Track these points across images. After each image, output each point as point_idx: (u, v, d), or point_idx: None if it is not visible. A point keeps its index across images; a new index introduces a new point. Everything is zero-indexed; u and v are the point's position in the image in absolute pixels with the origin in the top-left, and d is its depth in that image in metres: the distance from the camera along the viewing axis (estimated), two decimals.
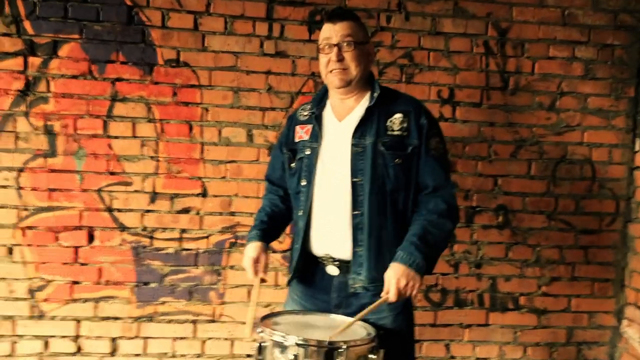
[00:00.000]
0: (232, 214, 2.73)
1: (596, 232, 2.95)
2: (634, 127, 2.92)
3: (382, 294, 1.80)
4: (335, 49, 1.90)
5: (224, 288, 2.75)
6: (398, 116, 1.93)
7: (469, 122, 2.83)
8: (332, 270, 1.96)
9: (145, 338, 2.72)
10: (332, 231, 1.95)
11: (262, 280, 1.97)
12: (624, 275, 2.96)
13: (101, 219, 2.66)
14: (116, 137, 2.65)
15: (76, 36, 2.59)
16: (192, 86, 2.68)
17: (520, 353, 2.95)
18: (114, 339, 2.70)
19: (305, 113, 2.08)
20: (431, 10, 2.77)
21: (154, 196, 2.68)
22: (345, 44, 1.90)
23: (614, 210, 2.94)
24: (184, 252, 2.72)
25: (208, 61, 2.68)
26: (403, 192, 1.92)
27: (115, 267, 2.68)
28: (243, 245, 2.58)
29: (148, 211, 2.69)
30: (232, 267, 2.75)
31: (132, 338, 2.71)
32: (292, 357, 1.64)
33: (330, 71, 1.92)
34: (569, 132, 2.88)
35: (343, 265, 1.93)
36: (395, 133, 1.91)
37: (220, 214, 2.73)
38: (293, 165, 2.05)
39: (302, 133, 2.05)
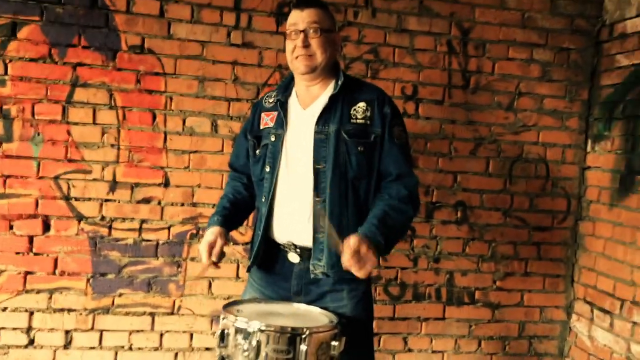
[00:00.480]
0: (194, 205, 2.72)
1: (549, 229, 3.08)
2: (587, 128, 3.06)
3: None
4: (301, 35, 1.92)
5: (184, 280, 2.73)
6: (362, 105, 1.96)
7: (431, 119, 2.91)
8: (293, 257, 1.97)
9: (101, 331, 2.67)
10: (294, 218, 1.97)
11: (215, 265, 1.95)
12: (574, 272, 3.10)
13: (57, 207, 2.60)
14: (76, 124, 2.59)
15: (36, 18, 2.52)
16: (157, 74, 2.65)
17: (474, 346, 3.05)
18: (68, 332, 2.64)
19: (271, 100, 2.09)
20: (397, 7, 2.83)
21: (114, 185, 2.64)
22: (311, 31, 1.91)
23: (565, 209, 3.08)
24: (144, 243, 2.69)
25: (173, 49, 2.66)
26: (365, 180, 1.95)
27: (71, 258, 2.63)
28: None
29: (107, 200, 2.64)
30: (192, 259, 2.73)
31: (87, 330, 2.66)
32: (255, 343, 1.65)
33: (296, 57, 1.94)
34: (525, 132, 3.00)
35: (304, 252, 1.95)
36: (359, 121, 1.94)
37: (182, 204, 2.71)
38: (257, 152, 2.06)
39: (267, 120, 2.06)
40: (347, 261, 1.74)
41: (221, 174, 2.71)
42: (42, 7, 2.52)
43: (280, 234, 1.99)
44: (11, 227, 2.56)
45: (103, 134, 2.62)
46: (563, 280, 3.11)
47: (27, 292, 2.60)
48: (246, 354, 1.67)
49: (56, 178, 2.58)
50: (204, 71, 2.68)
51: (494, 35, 2.93)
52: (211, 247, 1.95)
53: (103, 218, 2.64)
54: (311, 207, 1.93)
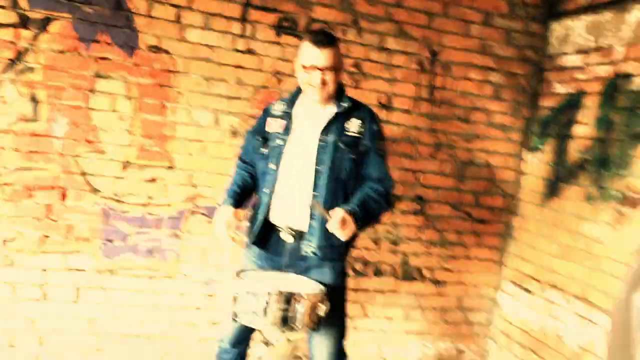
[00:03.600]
0: (194, 186, 3.19)
1: (488, 222, 3.74)
2: (524, 141, 3.71)
3: (329, 221, 2.32)
4: (319, 73, 2.41)
5: (180, 249, 3.22)
6: (356, 122, 2.50)
7: (400, 125, 3.47)
8: (287, 237, 2.51)
9: (107, 289, 3.14)
10: (293, 207, 2.50)
11: (232, 239, 2.47)
12: (505, 258, 3.79)
13: (75, 181, 3.02)
14: (96, 110, 3.00)
15: (67, 15, 2.89)
16: (170, 71, 3.07)
17: (420, 315, 3.71)
18: (78, 289, 3.10)
19: (279, 109, 2.58)
20: (380, 29, 3.35)
21: (127, 165, 3.07)
22: (327, 70, 2.41)
23: (502, 206, 3.74)
24: (149, 216, 3.15)
25: (186, 51, 3.08)
26: (353, 180, 2.51)
27: (85, 225, 3.06)
28: (203, 215, 3.10)
29: (119, 178, 3.08)
30: (189, 232, 3.22)
31: (94, 288, 3.12)
32: (264, 302, 2.18)
33: (310, 86, 2.44)
34: (476, 141, 3.61)
35: (297, 234, 2.50)
36: (351, 134, 2.48)
37: (184, 185, 3.18)
38: (264, 150, 2.56)
39: (275, 125, 2.57)
40: (333, 225, 2.29)
41: (219, 161, 3.19)
42: (73, 5, 2.89)
43: (279, 218, 2.52)
44: (32, 196, 2.97)
45: (120, 120, 3.04)
46: (495, 264, 3.79)
47: (43, 253, 3.02)
48: (256, 309, 2.21)
49: (76, 156, 3.00)
50: (210, 72, 3.13)
51: (458, 58, 3.50)
52: (228, 224, 2.47)
53: (115, 193, 3.08)
54: (309, 199, 2.48)
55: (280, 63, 3.21)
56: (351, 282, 3.49)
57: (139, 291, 3.19)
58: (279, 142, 2.53)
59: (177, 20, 3.05)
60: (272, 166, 2.52)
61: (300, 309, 2.23)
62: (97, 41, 2.95)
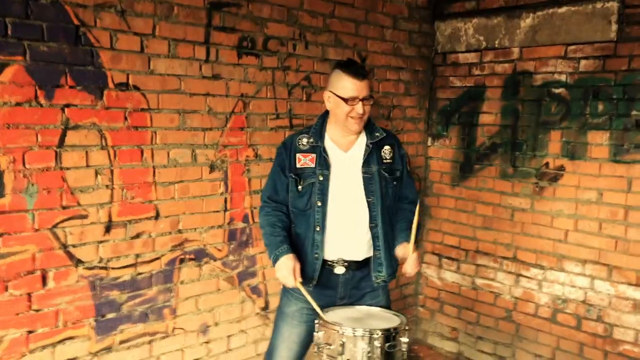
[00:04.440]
0: (180, 231, 2.90)
1: None
2: (428, 129, 4.23)
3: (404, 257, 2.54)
4: (360, 104, 2.45)
5: (176, 303, 2.92)
6: (387, 148, 2.64)
7: None
8: (340, 270, 2.57)
9: None
10: (348, 239, 2.56)
11: (301, 284, 2.44)
12: (424, 233, 4.33)
13: (56, 258, 2.48)
14: (69, 169, 2.47)
15: (19, 58, 2.27)
16: (143, 110, 2.68)
17: None
18: None
19: (305, 143, 2.55)
20: (321, 40, 3.41)
21: (109, 225, 2.63)
22: (366, 100, 2.47)
23: (417, 188, 4.23)
24: (139, 277, 2.77)
25: (155, 84, 2.72)
26: (394, 204, 2.67)
27: (74, 306, 2.56)
28: (192, 259, 2.91)
29: (102, 242, 2.62)
30: (182, 283, 2.93)
31: None
32: (374, 344, 2.26)
33: (352, 118, 2.47)
34: (398, 134, 3.98)
35: (352, 265, 2.58)
36: (387, 161, 2.62)
37: (170, 233, 2.86)
38: (300, 188, 2.53)
39: (306, 160, 2.54)
40: (413, 267, 2.50)
41: (201, 200, 2.95)
42: (25, 45, 2.29)
43: (331, 252, 2.55)
44: (7, 289, 2.35)
45: (97, 175, 2.56)
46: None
47: (31, 352, 2.44)
48: (369, 354, 2.26)
49: (53, 227, 2.45)
50: (182, 104, 2.82)
51: (379, 61, 3.78)
52: (294, 270, 2.41)
53: (100, 260, 2.62)
54: (368, 232, 2.56)
55: (244, 85, 3.06)
56: None
57: None
58: (320, 178, 2.52)
59: (142, 50, 2.65)
60: (318, 203, 2.52)
61: (403, 342, 2.34)
62: (60, 85, 2.41)
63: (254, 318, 3.29)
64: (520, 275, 3.81)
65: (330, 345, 2.28)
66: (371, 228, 2.58)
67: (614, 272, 3.38)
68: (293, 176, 2.54)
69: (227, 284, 3.12)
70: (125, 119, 2.63)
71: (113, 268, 2.67)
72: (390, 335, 2.26)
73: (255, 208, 3.18)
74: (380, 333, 2.23)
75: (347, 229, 2.56)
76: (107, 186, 2.60)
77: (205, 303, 3.05)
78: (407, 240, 2.58)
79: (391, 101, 3.92)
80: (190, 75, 2.84)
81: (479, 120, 3.96)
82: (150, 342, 2.85)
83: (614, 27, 3.29)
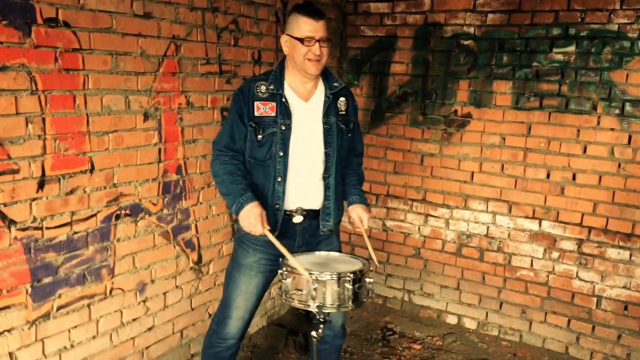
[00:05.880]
0: (115, 185, 2.66)
1: None
2: (339, 78, 4.26)
3: (359, 225, 2.63)
4: (317, 44, 2.40)
5: (113, 262, 2.70)
6: (342, 100, 2.65)
7: None
8: (298, 219, 2.58)
9: (44, 339, 2.45)
10: (307, 190, 2.56)
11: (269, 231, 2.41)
12: None
13: None
14: None
15: None
16: (74, 50, 2.36)
17: None
18: (11, 354, 2.32)
19: (264, 90, 2.47)
20: None
21: (43, 181, 2.33)
22: (323, 41, 2.43)
23: None
24: (75, 236, 2.51)
25: (87, 21, 2.41)
26: (346, 156, 2.70)
27: (8, 272, 2.26)
28: (127, 215, 2.75)
29: (37, 199, 2.32)
30: (118, 240, 2.72)
31: (30, 345, 2.39)
32: (335, 285, 2.31)
33: (309, 60, 2.42)
34: None
35: (309, 213, 2.59)
36: (342, 112, 2.64)
37: (105, 187, 2.61)
38: (260, 137, 2.46)
39: (265, 109, 2.48)
40: (367, 222, 2.61)
41: (136, 151, 2.72)
42: None
43: (291, 202, 2.54)
44: None
45: (27, 124, 2.23)
46: None
47: None
48: (341, 295, 2.31)
49: None
50: (115, 45, 2.54)
51: None
52: (262, 217, 2.36)
53: (34, 219, 2.32)
54: (321, 181, 2.57)
55: (176, 26, 2.82)
56: None
57: (77, 327, 2.58)
58: (282, 127, 2.47)
59: None
60: (280, 153, 2.47)
61: (368, 283, 2.43)
62: None
63: (188, 273, 3.18)
64: (429, 215, 4.11)
65: (300, 290, 2.31)
66: (324, 178, 2.60)
67: (513, 208, 3.79)
68: (253, 125, 2.46)
69: (163, 239, 2.96)
70: (56, 60, 2.32)
71: (48, 228, 2.39)
72: (357, 277, 2.34)
73: (188, 159, 3.03)
74: (351, 275, 2.30)
75: (305, 179, 2.56)
76: (39, 136, 2.30)
77: (142, 260, 2.86)
78: (359, 199, 2.66)
79: None
80: (122, 12, 2.56)
81: (390, 70, 4.10)
82: (88, 305, 2.62)
83: None
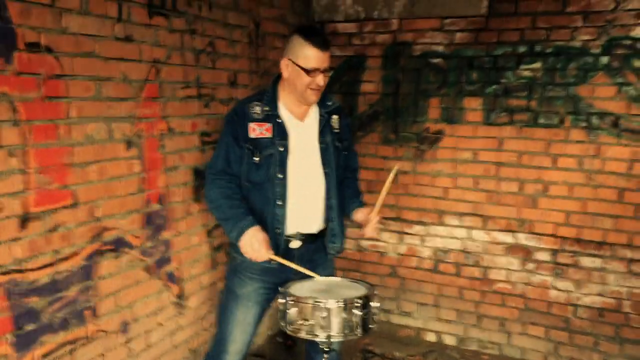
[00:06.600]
0: (98, 219, 2.47)
1: None
2: None
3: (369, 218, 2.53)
4: (321, 75, 2.35)
5: (96, 302, 2.51)
6: (335, 117, 2.61)
7: None
8: (295, 244, 2.50)
9: None
10: (307, 212, 2.49)
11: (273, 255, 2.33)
12: None
13: None
14: None
15: None
16: (57, 76, 2.19)
17: None
18: None
19: (259, 111, 2.40)
20: (222, 2, 3.14)
21: (26, 218, 2.12)
22: (326, 72, 2.38)
23: None
24: (58, 277, 2.31)
25: (69, 46, 2.24)
26: (342, 174, 2.65)
27: None
28: (110, 250, 2.58)
29: (18, 239, 2.11)
30: (101, 278, 2.53)
31: None
32: (353, 312, 2.25)
33: (311, 89, 2.36)
34: None
35: (308, 238, 2.52)
36: (336, 130, 2.59)
37: (88, 222, 2.42)
38: (257, 160, 2.38)
39: (262, 130, 2.41)
40: (375, 230, 2.50)
41: (119, 182, 2.55)
42: None
43: (290, 226, 2.46)
44: None
45: (9, 157, 2.03)
46: None
47: None
48: (349, 323, 2.23)
49: None
50: (96, 70, 2.37)
51: (270, 28, 3.64)
52: (266, 242, 2.27)
53: (16, 261, 2.11)
54: (322, 202, 2.50)
55: (156, 50, 2.69)
56: None
57: None
58: (280, 148, 2.39)
59: (53, 3, 2.16)
60: (278, 175, 2.39)
61: (374, 307, 2.36)
62: None
63: (170, 308, 3.00)
64: (404, 233, 4.11)
65: (307, 320, 2.22)
66: (327, 199, 2.54)
67: (488, 222, 3.85)
68: (250, 147, 2.37)
69: (145, 274, 2.78)
70: (39, 87, 2.14)
71: (31, 270, 2.19)
72: (364, 303, 2.28)
73: (169, 187, 2.88)
74: (359, 302, 2.23)
75: (306, 201, 2.49)
76: (21, 170, 2.11)
77: (124, 298, 2.67)
78: (362, 205, 2.60)
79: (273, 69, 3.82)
80: (104, 36, 2.40)
81: (360, 89, 4.09)
82: (71, 351, 2.41)
83: (485, 2, 3.66)
